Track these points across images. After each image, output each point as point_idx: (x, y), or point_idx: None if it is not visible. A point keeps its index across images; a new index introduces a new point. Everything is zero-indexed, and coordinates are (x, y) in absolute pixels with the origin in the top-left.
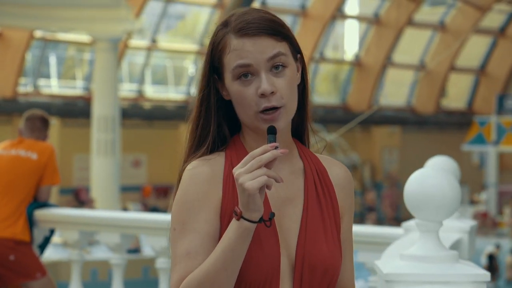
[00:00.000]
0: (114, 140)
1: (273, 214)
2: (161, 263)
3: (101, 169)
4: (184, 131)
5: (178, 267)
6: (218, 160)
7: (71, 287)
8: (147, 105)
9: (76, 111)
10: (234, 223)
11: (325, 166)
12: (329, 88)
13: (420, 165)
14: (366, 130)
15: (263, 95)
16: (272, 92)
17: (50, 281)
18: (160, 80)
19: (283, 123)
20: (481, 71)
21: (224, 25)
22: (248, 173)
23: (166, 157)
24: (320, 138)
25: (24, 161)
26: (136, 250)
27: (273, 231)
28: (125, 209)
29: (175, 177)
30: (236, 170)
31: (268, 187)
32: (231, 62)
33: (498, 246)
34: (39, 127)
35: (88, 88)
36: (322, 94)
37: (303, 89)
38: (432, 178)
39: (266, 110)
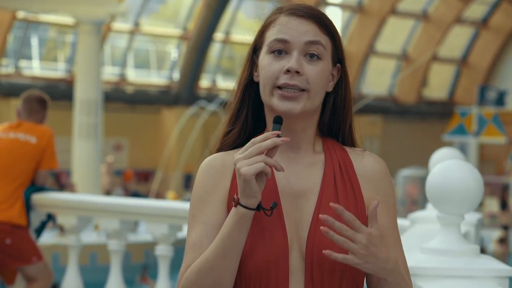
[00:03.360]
0: (96, 124)
1: (275, 204)
2: (161, 250)
3: (83, 152)
4: (166, 116)
5: (185, 258)
6: (234, 153)
7: (68, 272)
8: (129, 89)
9: (58, 93)
10: (232, 210)
11: (353, 159)
12: None
13: (401, 154)
14: None
15: (288, 71)
16: (298, 72)
17: (46, 266)
18: (142, 64)
19: (302, 107)
20: (463, 61)
21: (278, 9)
22: (246, 159)
23: (147, 142)
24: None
25: (23, 145)
26: None
27: (281, 223)
28: (107, 193)
29: (157, 161)
30: (236, 156)
31: (266, 174)
32: (271, 35)
33: (506, 228)
34: (36, 109)
35: (70, 71)
36: None
37: (340, 97)
38: (457, 171)
39: (286, 88)
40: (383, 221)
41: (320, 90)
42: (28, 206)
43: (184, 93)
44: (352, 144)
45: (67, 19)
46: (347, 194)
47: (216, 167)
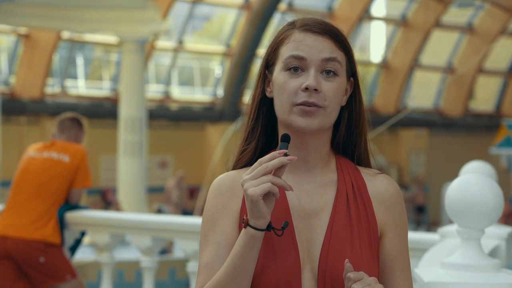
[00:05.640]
0: (141, 141)
1: (286, 224)
2: (192, 267)
3: (128, 170)
4: (210, 132)
5: (198, 279)
6: (245, 171)
7: None
8: (173, 106)
9: (103, 112)
10: (242, 231)
11: (366, 180)
12: None
13: (447, 168)
14: (393, 133)
15: (307, 89)
16: (316, 90)
17: (80, 284)
18: (186, 81)
19: (318, 123)
20: (510, 73)
21: (291, 23)
22: (253, 180)
23: (192, 158)
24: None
25: (56, 164)
26: (164, 251)
27: (293, 243)
28: (159, 211)
29: (202, 178)
30: (244, 176)
31: (274, 194)
32: (286, 51)
33: None
34: (67, 126)
35: (115, 89)
36: None
37: (352, 112)
38: (475, 184)
39: (304, 105)
40: (392, 245)
41: (336, 107)
42: (62, 224)
43: (228, 109)
44: (368, 162)
45: (112, 38)
46: (359, 214)
47: (227, 186)
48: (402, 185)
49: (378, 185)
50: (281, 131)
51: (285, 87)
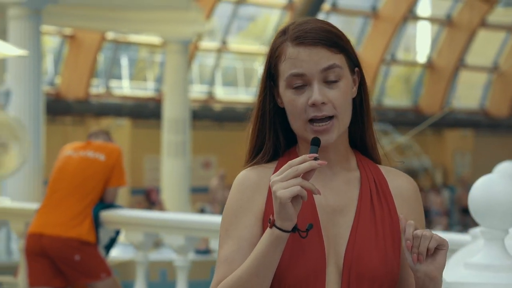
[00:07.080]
0: (184, 142)
1: (311, 226)
2: None
3: (172, 170)
4: None
5: (217, 272)
6: (269, 168)
7: None
8: (217, 107)
9: (147, 112)
10: (267, 231)
11: (386, 177)
12: (401, 90)
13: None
14: (438, 133)
15: (314, 105)
16: (323, 103)
17: (115, 282)
18: (230, 82)
19: (336, 134)
20: None
21: (283, 32)
22: (282, 182)
23: (236, 159)
24: (385, 153)
25: (92, 162)
26: (206, 251)
27: (319, 238)
28: (202, 210)
29: None
30: (273, 178)
31: (302, 197)
32: (285, 70)
33: None
34: (102, 132)
35: (159, 90)
36: (394, 96)
37: (361, 102)
38: (499, 184)
39: (317, 121)
40: None
41: (347, 109)
42: (97, 223)
43: None
44: (375, 150)
45: (155, 39)
46: (382, 211)
47: (251, 182)
48: (447, 186)
49: (399, 183)
50: (300, 139)
51: (293, 105)
